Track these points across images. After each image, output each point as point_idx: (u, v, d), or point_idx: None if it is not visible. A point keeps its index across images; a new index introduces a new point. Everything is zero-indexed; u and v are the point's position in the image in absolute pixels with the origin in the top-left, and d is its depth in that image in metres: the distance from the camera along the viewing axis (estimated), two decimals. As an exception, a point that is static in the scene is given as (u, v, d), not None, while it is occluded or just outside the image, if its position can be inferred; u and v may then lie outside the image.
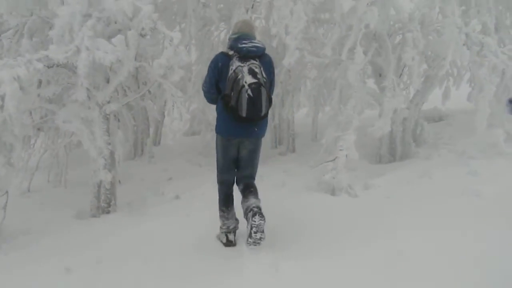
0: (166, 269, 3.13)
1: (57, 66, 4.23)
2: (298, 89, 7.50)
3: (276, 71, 6.51)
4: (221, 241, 3.62)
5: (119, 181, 5.14)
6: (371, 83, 5.86)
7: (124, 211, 4.75)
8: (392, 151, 5.72)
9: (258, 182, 4.91)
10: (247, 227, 3.32)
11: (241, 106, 3.30)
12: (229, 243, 3.57)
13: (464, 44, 4.92)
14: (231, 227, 3.62)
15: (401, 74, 5.70)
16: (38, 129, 5.84)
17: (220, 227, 3.65)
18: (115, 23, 4.45)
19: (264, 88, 3.34)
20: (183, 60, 4.55)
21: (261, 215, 3.26)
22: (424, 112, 6.52)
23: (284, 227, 3.60)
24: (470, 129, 5.29)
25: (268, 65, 3.57)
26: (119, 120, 7.45)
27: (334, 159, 4.54)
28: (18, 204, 4.65)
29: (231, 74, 3.37)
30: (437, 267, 2.83)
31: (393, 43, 5.47)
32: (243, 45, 3.41)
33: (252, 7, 5.75)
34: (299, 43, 4.87)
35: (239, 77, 3.32)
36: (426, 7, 5.12)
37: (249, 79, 3.30)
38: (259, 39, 3.89)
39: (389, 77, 5.01)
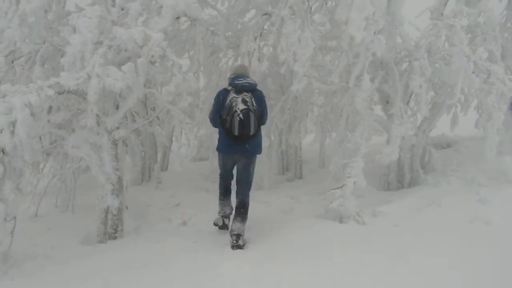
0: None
1: (68, 92, 4.29)
2: (306, 115, 7.54)
3: (283, 97, 6.65)
4: (218, 225, 4.64)
5: (126, 207, 5.14)
6: (378, 109, 5.88)
7: (131, 237, 4.73)
8: (400, 178, 5.70)
9: (265, 208, 4.95)
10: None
11: (234, 127, 4.28)
12: (224, 227, 4.62)
13: (473, 72, 4.94)
14: (227, 212, 4.73)
15: (408, 101, 5.71)
16: (47, 154, 5.89)
17: (218, 212, 4.75)
18: (125, 50, 4.53)
19: (252, 113, 4.30)
20: (191, 87, 4.60)
21: (238, 245, 4.03)
22: (432, 139, 6.51)
23: (291, 252, 3.55)
24: (479, 156, 5.26)
25: (258, 97, 4.48)
26: (127, 146, 7.51)
27: (341, 186, 4.51)
28: (26, 229, 4.65)
29: (228, 103, 4.37)
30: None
31: (400, 70, 5.51)
32: (239, 82, 4.44)
33: (261, 35, 5.82)
34: (307, 70, 4.91)
35: (233, 104, 4.31)
36: (432, 35, 5.18)
37: (241, 106, 4.29)
38: (266, 69, 4.48)
39: (396, 104, 5.03)
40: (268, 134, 6.73)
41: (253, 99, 4.36)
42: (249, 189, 4.50)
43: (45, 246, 4.52)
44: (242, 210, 4.34)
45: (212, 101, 4.69)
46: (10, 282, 3.54)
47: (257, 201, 5.68)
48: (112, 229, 4.78)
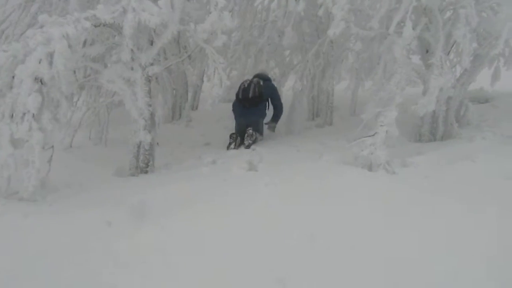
0: (205, 224, 3.18)
1: (104, 25, 4.29)
2: (340, 61, 7.35)
3: (319, 41, 6.48)
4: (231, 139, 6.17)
5: (157, 143, 5.24)
6: (415, 59, 5.68)
7: (161, 172, 4.86)
8: (433, 130, 5.57)
9: (294, 152, 4.99)
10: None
11: (239, 93, 6.48)
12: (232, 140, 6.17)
13: (521, 22, 4.66)
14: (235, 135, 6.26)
15: (449, 52, 5.48)
16: (81, 87, 5.99)
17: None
18: (161, -16, 4.44)
19: (254, 84, 6.40)
20: (227, 26, 4.51)
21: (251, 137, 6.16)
22: (470, 93, 6.29)
23: (321, 193, 3.58)
24: (517, 112, 5.08)
25: (268, 86, 6.65)
26: (158, 83, 7.55)
27: (373, 135, 4.46)
28: (61, 159, 4.80)
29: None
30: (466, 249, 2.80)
31: (443, 18, 5.25)
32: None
33: (299, -25, 5.58)
34: (345, 14, 4.73)
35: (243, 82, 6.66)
36: (482, -19, 4.88)
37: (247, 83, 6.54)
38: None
39: (437, 54, 4.82)
40: (301, 78, 6.63)
41: (261, 82, 6.46)
42: (259, 131, 6.35)
43: (79, 175, 4.69)
44: (252, 133, 6.13)
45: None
46: (49, 207, 3.70)
47: (287, 145, 5.73)
48: (143, 163, 4.91)
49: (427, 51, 5.40)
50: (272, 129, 6.82)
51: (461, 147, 4.73)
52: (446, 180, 3.79)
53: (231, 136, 6.26)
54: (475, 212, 3.21)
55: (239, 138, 6.26)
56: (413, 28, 4.67)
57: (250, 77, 6.76)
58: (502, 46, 4.83)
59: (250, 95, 6.29)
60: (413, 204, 3.36)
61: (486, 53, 5.32)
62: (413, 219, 3.15)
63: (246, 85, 6.41)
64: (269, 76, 7.14)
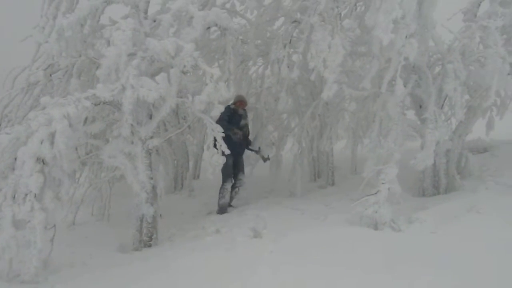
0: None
1: (104, 103, 4.41)
2: (337, 121, 7.48)
3: (313, 103, 6.63)
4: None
5: (160, 215, 5.21)
6: (410, 114, 5.77)
7: (165, 245, 4.79)
8: (435, 183, 5.55)
9: (298, 215, 4.96)
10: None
11: None
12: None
13: (508, 74, 4.80)
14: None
15: (442, 105, 5.58)
16: (83, 164, 6.06)
17: None
18: (158, 61, 4.63)
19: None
20: (223, 96, 4.64)
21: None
22: (468, 143, 6.33)
23: (327, 257, 3.51)
24: (517, 160, 5.08)
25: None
26: (159, 155, 7.64)
27: (376, 193, 4.45)
28: (64, 237, 4.77)
29: None
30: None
31: (433, 74, 5.40)
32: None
33: (290, 42, 5.83)
34: (337, 77, 4.87)
35: None
36: (466, 37, 5.07)
37: None
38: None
39: (430, 109, 4.92)
40: (299, 141, 6.71)
41: None
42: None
43: (83, 254, 4.63)
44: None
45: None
46: (50, 289, 3.63)
47: (290, 208, 5.68)
48: (147, 237, 4.86)
49: (420, 106, 5.50)
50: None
51: (465, 199, 4.67)
52: (454, 234, 3.73)
53: None
54: (486, 266, 3.13)
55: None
56: (404, 86, 4.79)
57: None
58: (493, 97, 4.92)
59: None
60: (420, 263, 3.28)
61: (478, 105, 5.42)
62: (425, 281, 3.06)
63: None
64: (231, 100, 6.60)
